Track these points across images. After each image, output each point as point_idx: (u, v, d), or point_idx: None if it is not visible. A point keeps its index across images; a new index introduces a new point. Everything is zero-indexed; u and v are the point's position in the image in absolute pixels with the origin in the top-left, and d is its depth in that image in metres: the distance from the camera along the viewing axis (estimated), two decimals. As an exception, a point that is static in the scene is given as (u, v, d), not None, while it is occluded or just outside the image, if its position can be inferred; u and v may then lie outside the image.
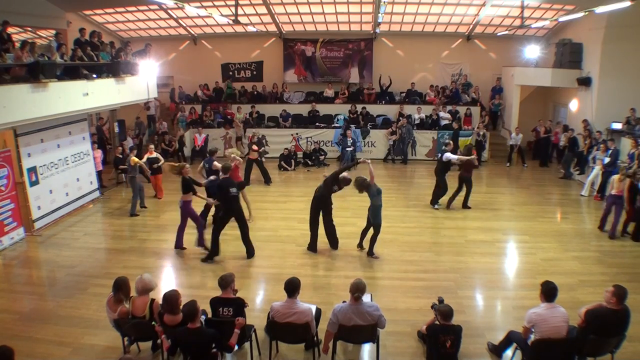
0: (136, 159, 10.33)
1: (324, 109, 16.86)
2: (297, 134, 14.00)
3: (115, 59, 11.68)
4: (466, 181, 10.37)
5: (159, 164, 11.21)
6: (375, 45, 17.62)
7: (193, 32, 17.87)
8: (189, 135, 16.05)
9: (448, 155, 10.16)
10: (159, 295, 6.00)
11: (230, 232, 9.14)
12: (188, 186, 8.08)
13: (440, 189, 10.57)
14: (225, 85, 17.53)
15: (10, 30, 9.66)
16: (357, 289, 4.73)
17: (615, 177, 9.12)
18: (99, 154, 12.12)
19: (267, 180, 12.65)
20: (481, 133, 15.00)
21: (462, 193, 10.51)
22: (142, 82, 12.54)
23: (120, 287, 5.00)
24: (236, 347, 5.46)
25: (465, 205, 10.51)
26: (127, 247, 8.62)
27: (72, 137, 10.68)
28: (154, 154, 11.25)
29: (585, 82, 13.68)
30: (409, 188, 12.87)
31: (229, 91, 17.40)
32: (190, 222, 8.35)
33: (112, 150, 14.05)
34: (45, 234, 9.28)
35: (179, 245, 8.36)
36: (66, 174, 10.42)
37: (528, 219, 10.03)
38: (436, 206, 10.59)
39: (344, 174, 8.13)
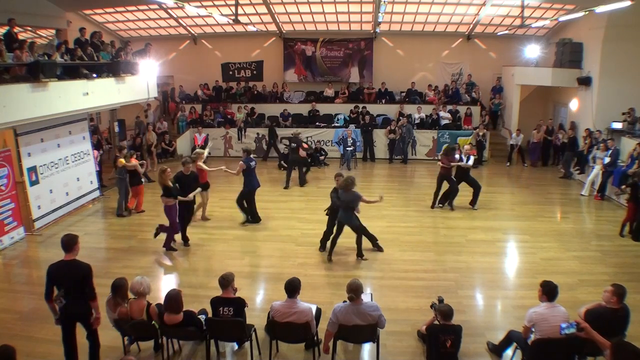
0: (123, 161, 10.23)
1: (324, 108, 16.87)
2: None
3: (115, 59, 11.68)
4: (448, 180, 10.37)
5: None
6: (375, 44, 17.62)
7: (193, 32, 17.88)
8: (189, 134, 16.06)
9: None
10: (157, 295, 6.02)
11: (231, 231, 9.17)
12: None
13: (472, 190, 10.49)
14: (237, 88, 17.56)
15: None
16: (351, 290, 4.74)
17: (534, 131, 14.76)
18: (95, 154, 12.09)
19: (303, 182, 12.63)
20: (481, 133, 15.03)
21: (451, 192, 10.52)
22: (142, 82, 12.54)
23: (117, 289, 5.00)
24: (236, 346, 5.48)
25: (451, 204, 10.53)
26: (127, 246, 8.62)
27: (72, 137, 10.68)
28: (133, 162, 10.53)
29: (585, 81, 13.67)
30: (409, 188, 12.88)
31: (239, 92, 17.43)
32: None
33: (112, 149, 14.05)
34: (45, 234, 9.28)
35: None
36: (66, 173, 10.41)
37: (528, 218, 10.03)
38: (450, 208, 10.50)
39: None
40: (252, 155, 9.51)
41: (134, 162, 10.28)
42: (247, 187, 9.32)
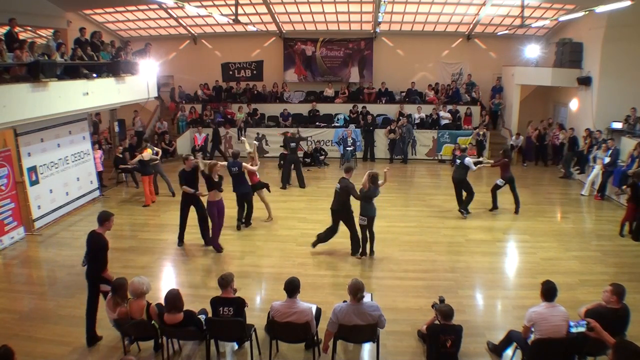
0: (150, 151, 10.93)
1: (324, 108, 16.87)
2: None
3: (115, 59, 11.68)
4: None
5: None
6: (375, 44, 17.61)
7: (193, 32, 17.87)
8: (189, 134, 16.06)
9: (469, 161, 9.89)
10: (157, 294, 6.02)
11: (231, 231, 9.16)
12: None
13: (468, 195, 10.10)
14: (237, 88, 17.54)
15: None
16: (358, 289, 4.73)
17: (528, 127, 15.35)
18: (98, 154, 12.12)
19: (302, 183, 12.59)
20: (481, 133, 15.03)
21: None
22: (142, 82, 12.54)
23: (117, 289, 5.01)
24: (236, 346, 5.48)
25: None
26: (127, 246, 8.61)
27: (72, 137, 10.68)
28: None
29: (585, 81, 13.67)
30: (409, 187, 12.87)
31: (238, 91, 17.42)
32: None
33: (112, 149, 14.06)
34: (45, 234, 9.28)
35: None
36: (66, 173, 10.42)
37: (528, 218, 10.02)
38: (466, 214, 10.01)
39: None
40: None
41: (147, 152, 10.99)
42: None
